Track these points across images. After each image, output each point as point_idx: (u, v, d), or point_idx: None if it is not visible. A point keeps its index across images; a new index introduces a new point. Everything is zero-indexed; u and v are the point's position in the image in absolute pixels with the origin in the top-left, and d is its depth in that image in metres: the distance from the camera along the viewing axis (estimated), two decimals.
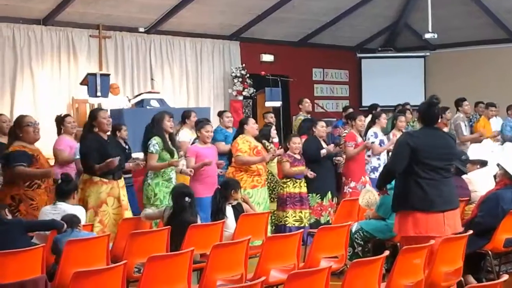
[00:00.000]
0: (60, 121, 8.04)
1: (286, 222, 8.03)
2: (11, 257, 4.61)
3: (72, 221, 5.32)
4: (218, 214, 6.11)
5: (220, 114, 9.64)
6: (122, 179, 6.67)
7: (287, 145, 8.21)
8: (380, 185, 5.61)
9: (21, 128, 6.18)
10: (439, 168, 5.20)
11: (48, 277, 4.62)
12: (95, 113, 6.75)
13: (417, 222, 5.16)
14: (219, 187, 6.34)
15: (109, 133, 6.84)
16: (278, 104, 12.39)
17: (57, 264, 4.99)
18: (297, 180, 8.10)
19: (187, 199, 5.80)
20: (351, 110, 11.26)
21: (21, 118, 6.32)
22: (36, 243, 5.47)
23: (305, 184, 8.15)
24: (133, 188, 8.17)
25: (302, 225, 7.94)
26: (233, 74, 13.51)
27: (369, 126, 9.23)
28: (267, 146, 8.52)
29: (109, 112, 6.95)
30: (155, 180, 7.17)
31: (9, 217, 5.16)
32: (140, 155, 8.18)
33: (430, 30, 12.88)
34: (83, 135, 6.84)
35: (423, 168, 5.16)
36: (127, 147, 8.37)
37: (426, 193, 5.15)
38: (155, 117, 7.43)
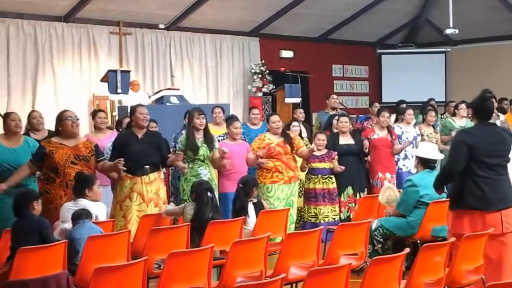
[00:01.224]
0: (92, 116, 8.18)
1: (303, 218, 8.07)
2: (33, 253, 4.65)
3: (80, 214, 5.34)
4: (241, 211, 6.11)
5: (249, 110, 9.67)
6: (152, 175, 6.64)
7: (313, 141, 8.24)
8: (437, 186, 5.39)
9: (60, 122, 6.33)
10: (496, 165, 5.08)
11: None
12: (133, 108, 6.84)
13: (474, 221, 5.06)
14: (241, 185, 6.32)
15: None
16: (297, 100, 12.36)
17: (72, 258, 5.02)
18: (312, 176, 8.11)
19: (209, 194, 5.82)
20: (377, 105, 11.26)
21: (61, 113, 6.45)
22: (58, 239, 5.53)
23: (324, 181, 8.13)
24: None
25: (318, 221, 7.94)
26: (253, 71, 13.52)
27: (396, 122, 9.29)
28: (305, 142, 8.47)
29: (129, 109, 6.97)
30: (184, 176, 7.27)
31: (38, 209, 5.20)
32: None
33: (451, 25, 12.80)
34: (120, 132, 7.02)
35: (480, 166, 5.01)
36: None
37: (484, 192, 5.01)
38: (187, 114, 7.51)
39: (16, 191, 6.22)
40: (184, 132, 7.54)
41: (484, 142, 5.07)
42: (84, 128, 10.41)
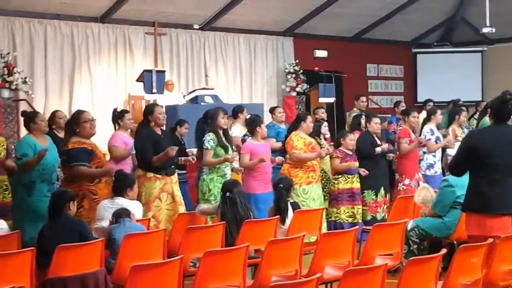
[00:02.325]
0: (119, 116, 8.12)
1: (337, 218, 8.02)
2: (71, 251, 4.72)
3: (120, 213, 5.39)
4: (285, 211, 6.08)
5: (272, 110, 9.66)
6: (176, 175, 6.73)
7: (341, 141, 8.17)
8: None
9: (78, 124, 6.21)
10: (507, 166, 4.90)
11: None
12: (150, 108, 6.85)
13: (482, 223, 4.95)
14: (281, 185, 6.27)
15: (164, 128, 6.94)
16: (331, 100, 12.34)
17: (111, 257, 5.07)
18: (349, 176, 8.07)
19: (227, 194, 5.82)
20: (403, 105, 11.14)
21: (78, 114, 6.34)
22: (95, 237, 5.59)
23: (358, 180, 8.11)
24: (186, 184, 8.26)
25: (356, 221, 7.91)
26: (287, 70, 13.51)
27: (425, 122, 9.11)
28: (320, 142, 8.49)
29: (164, 108, 7.00)
30: (209, 176, 7.24)
31: (73, 210, 5.24)
32: (195, 150, 8.29)
33: (487, 24, 12.63)
34: (138, 130, 6.95)
35: (485, 168, 4.92)
36: (182, 142, 8.46)
37: (486, 194, 4.94)
38: (209, 113, 7.49)
39: (45, 189, 6.35)
40: (211, 132, 7.48)
41: (494, 143, 4.87)
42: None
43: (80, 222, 5.25)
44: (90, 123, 6.24)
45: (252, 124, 7.75)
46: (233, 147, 7.54)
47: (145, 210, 6.45)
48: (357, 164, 8.13)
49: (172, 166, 6.67)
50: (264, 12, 12.81)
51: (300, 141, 7.78)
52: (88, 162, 6.09)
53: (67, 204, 5.14)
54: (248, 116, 8.84)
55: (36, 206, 6.36)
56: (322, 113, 10.22)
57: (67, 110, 10.06)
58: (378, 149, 8.28)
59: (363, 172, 8.09)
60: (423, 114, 9.65)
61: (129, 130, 8.06)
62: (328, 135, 9.21)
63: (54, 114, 7.95)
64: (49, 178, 6.40)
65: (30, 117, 6.82)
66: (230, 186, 5.97)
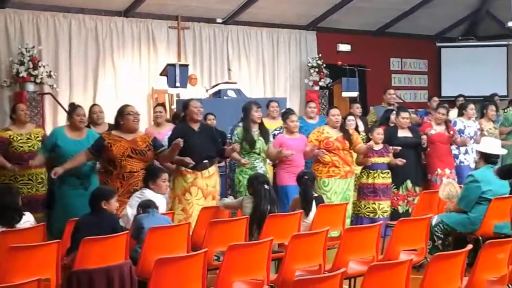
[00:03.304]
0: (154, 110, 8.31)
1: (359, 213, 8.00)
2: (96, 243, 4.75)
3: (149, 204, 5.43)
4: (310, 204, 6.11)
5: (305, 104, 9.67)
6: (211, 168, 6.72)
7: (369, 136, 8.15)
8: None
9: (122, 116, 6.38)
10: None
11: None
12: (187, 102, 6.88)
13: None
14: (306, 177, 6.28)
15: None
16: (355, 94, 12.28)
17: (138, 246, 5.10)
18: (371, 171, 8.02)
19: (266, 187, 5.85)
20: (435, 99, 11.06)
21: (123, 108, 6.50)
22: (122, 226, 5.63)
23: (384, 175, 8.05)
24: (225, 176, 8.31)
25: (376, 216, 7.88)
26: (310, 64, 13.47)
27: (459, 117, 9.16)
28: (362, 137, 8.41)
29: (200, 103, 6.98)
30: (240, 168, 7.31)
31: (108, 208, 5.28)
32: None
33: None
34: (175, 125, 7.05)
35: None
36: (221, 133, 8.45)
37: None
38: (243, 107, 7.54)
39: (76, 182, 6.42)
40: (240, 125, 7.57)
41: None
42: (143, 121, 10.58)
43: (113, 217, 5.29)
44: (134, 116, 6.35)
45: (283, 118, 7.79)
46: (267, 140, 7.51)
47: (176, 202, 6.54)
48: (382, 159, 8.06)
49: (205, 161, 6.65)
50: (287, 6, 12.78)
51: (314, 134, 7.79)
52: (93, 149, 6.32)
53: (100, 203, 5.18)
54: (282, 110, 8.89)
55: (66, 199, 6.44)
56: (357, 108, 10.16)
57: (91, 103, 10.07)
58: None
59: (400, 161, 8.02)
60: (455, 111, 9.60)
61: (163, 123, 8.15)
62: (361, 128, 9.17)
63: (89, 109, 8.06)
64: (79, 171, 6.46)
65: (70, 110, 6.97)
66: (265, 178, 6.03)
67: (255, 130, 7.38)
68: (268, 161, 7.80)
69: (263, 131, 7.46)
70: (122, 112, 6.41)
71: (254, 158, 7.32)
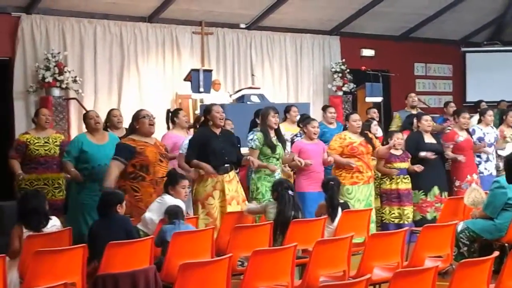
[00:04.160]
0: (174, 114, 8.27)
1: (383, 219, 7.95)
2: (121, 248, 4.78)
3: (177, 212, 5.43)
4: (335, 210, 6.09)
5: (324, 109, 9.63)
6: (231, 173, 6.74)
7: (388, 141, 8.09)
8: None
9: (137, 120, 6.34)
10: None
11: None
12: (209, 107, 6.88)
13: None
14: (332, 183, 6.27)
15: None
16: (379, 99, 12.21)
17: (163, 255, 5.12)
18: (394, 177, 7.97)
19: (290, 192, 5.84)
20: (452, 105, 10.94)
21: (138, 111, 6.49)
22: (141, 229, 5.66)
23: (406, 180, 8.00)
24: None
25: (402, 222, 7.83)
26: (333, 69, 13.44)
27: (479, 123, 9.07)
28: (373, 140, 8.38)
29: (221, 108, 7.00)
30: (257, 174, 7.26)
31: (121, 211, 5.31)
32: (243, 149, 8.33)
33: None
34: (196, 130, 7.05)
35: None
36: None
37: None
38: (260, 113, 7.52)
39: (96, 188, 6.42)
40: (256, 129, 7.54)
41: None
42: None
43: (126, 220, 5.31)
44: (149, 120, 6.34)
45: (302, 123, 7.79)
46: (285, 146, 7.52)
47: (199, 207, 6.54)
48: (404, 165, 8.02)
49: (226, 165, 6.68)
50: (310, 11, 12.77)
51: (337, 141, 7.74)
52: (125, 158, 6.16)
53: (115, 207, 5.22)
54: (297, 117, 8.87)
55: (86, 204, 6.47)
56: (374, 113, 10.12)
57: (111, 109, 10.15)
58: (422, 154, 8.16)
59: (418, 168, 7.96)
60: (477, 115, 9.49)
61: (185, 129, 8.17)
62: (378, 134, 9.12)
63: (109, 113, 8.11)
64: (100, 177, 6.48)
65: (83, 116, 7.01)
66: (289, 184, 6.03)
67: (272, 136, 7.37)
68: (285, 167, 7.76)
69: (280, 137, 7.45)
70: (137, 116, 6.38)
71: (273, 163, 7.30)
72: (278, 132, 7.43)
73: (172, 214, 5.40)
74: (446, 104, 11.46)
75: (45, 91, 10.12)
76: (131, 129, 6.42)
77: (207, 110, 6.83)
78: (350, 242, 4.99)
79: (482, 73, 15.33)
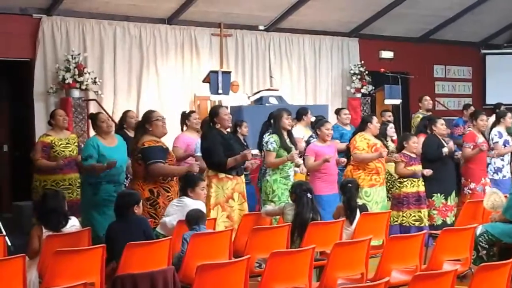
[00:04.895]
0: (185, 117, 8.29)
1: (403, 222, 7.90)
2: (140, 249, 4.81)
3: (197, 218, 5.44)
4: (355, 211, 6.09)
5: (338, 111, 9.66)
6: (244, 175, 6.81)
7: (404, 144, 8.04)
8: None
9: (150, 122, 6.29)
10: None
11: None
12: (216, 109, 6.89)
13: None
14: (349, 184, 6.26)
15: (229, 129, 6.99)
16: (397, 102, 12.18)
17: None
18: (415, 180, 7.94)
19: (308, 195, 5.84)
20: (472, 108, 10.86)
21: (150, 113, 6.43)
22: (160, 233, 5.69)
23: (422, 183, 7.98)
24: (253, 185, 8.29)
25: (422, 224, 7.80)
26: (352, 71, 13.40)
27: (494, 125, 8.92)
28: (386, 144, 8.40)
29: (229, 109, 7.07)
30: (273, 177, 7.25)
31: (139, 212, 5.34)
32: (255, 151, 8.36)
33: None
34: (205, 132, 7.01)
35: None
36: (245, 143, 8.51)
37: None
38: (273, 115, 7.51)
39: (112, 189, 6.46)
40: (272, 133, 7.51)
41: None
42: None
43: (144, 221, 5.35)
44: (162, 122, 6.34)
45: (316, 125, 7.79)
46: (297, 148, 7.53)
47: (219, 210, 6.54)
48: (420, 167, 7.99)
49: (242, 166, 6.72)
50: (329, 13, 12.75)
51: (363, 142, 7.73)
52: (164, 159, 6.17)
53: (132, 208, 5.25)
54: (312, 119, 8.86)
55: (101, 206, 6.50)
56: (389, 116, 10.10)
57: (135, 110, 10.21)
58: (445, 150, 8.12)
59: (427, 172, 7.93)
60: (493, 118, 9.40)
61: (197, 131, 8.18)
62: (394, 137, 9.10)
63: (125, 114, 8.15)
64: (115, 179, 6.52)
65: (92, 119, 7.00)
66: (308, 186, 6.03)
67: (285, 138, 7.36)
68: (299, 170, 7.74)
69: (292, 139, 7.44)
70: (150, 118, 6.32)
71: (288, 166, 7.28)
72: (290, 134, 7.43)
73: (193, 220, 5.39)
74: (466, 107, 11.39)
75: (65, 92, 10.19)
76: (143, 131, 6.33)
77: (214, 112, 6.83)
78: (368, 245, 4.99)
79: (502, 75, 15.20)
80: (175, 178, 6.26)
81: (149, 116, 6.36)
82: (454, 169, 8.45)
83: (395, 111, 12.05)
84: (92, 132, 10.08)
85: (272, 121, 7.64)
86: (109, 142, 6.72)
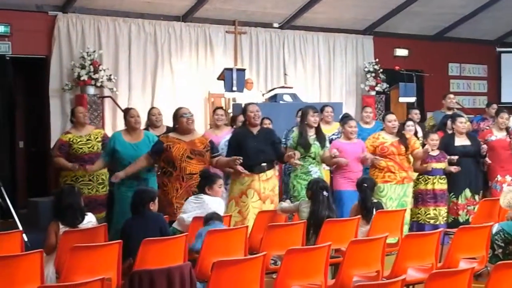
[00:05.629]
0: (213, 113, 8.43)
1: (419, 219, 7.90)
2: (156, 245, 4.83)
3: (213, 218, 5.45)
4: (371, 211, 6.08)
5: (362, 109, 9.64)
6: (269, 172, 6.79)
7: (424, 142, 8.05)
8: None
9: (176, 119, 6.57)
10: None
11: None
12: (245, 107, 7.01)
13: None
14: (365, 184, 6.26)
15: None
16: (412, 100, 12.14)
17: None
18: (430, 177, 7.92)
19: (324, 193, 5.84)
20: (494, 106, 10.80)
21: (177, 110, 6.69)
22: (176, 229, 5.71)
23: (442, 181, 7.94)
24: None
25: (438, 222, 7.77)
26: (366, 69, 13.36)
27: None
28: (420, 143, 8.32)
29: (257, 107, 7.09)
30: (294, 173, 7.31)
31: (154, 209, 5.36)
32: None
33: None
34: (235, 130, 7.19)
35: None
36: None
37: None
38: (301, 111, 7.57)
39: (134, 183, 6.52)
40: (295, 129, 7.59)
41: None
42: (200, 124, 10.69)
43: (160, 217, 5.38)
44: (187, 118, 6.45)
45: (341, 122, 7.81)
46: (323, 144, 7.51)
47: (233, 204, 6.59)
48: (440, 165, 7.96)
49: (263, 164, 6.72)
50: (344, 11, 12.72)
51: (369, 140, 7.77)
52: (153, 152, 6.49)
53: (148, 205, 5.28)
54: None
55: (122, 200, 6.55)
56: (415, 114, 10.06)
57: (149, 107, 10.22)
58: (452, 158, 8.09)
59: (455, 169, 7.89)
60: None
61: (222, 127, 8.23)
62: (419, 134, 9.06)
63: (148, 111, 8.22)
64: (137, 174, 6.58)
65: (123, 113, 7.10)
66: (325, 184, 6.01)
67: (311, 135, 7.37)
68: (324, 166, 7.79)
69: (320, 136, 7.45)
70: (176, 115, 6.58)
71: (309, 162, 7.30)
72: (318, 130, 7.42)
73: (208, 220, 5.43)
74: (488, 105, 11.32)
75: (80, 89, 10.24)
76: (173, 127, 6.65)
77: (243, 110, 6.95)
78: (384, 243, 4.97)
79: None
80: (174, 174, 6.33)
81: (176, 113, 6.63)
82: (471, 167, 8.34)
83: (410, 109, 11.99)
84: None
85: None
86: (132, 138, 6.83)
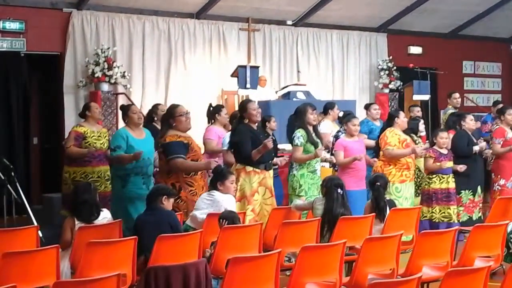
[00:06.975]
0: (216, 111, 8.32)
1: (433, 218, 7.85)
2: (171, 241, 4.84)
3: (233, 218, 5.43)
4: (384, 210, 6.06)
5: (367, 106, 9.61)
6: (272, 170, 6.82)
7: (433, 140, 7.99)
8: None
9: (174, 117, 6.35)
10: None
11: None
12: (244, 104, 6.94)
13: None
14: (378, 183, 6.23)
15: (257, 124, 7.02)
16: (426, 97, 12.08)
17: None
18: (444, 176, 7.87)
19: (339, 190, 5.83)
20: (501, 104, 10.72)
21: (173, 108, 6.48)
22: (190, 226, 5.72)
23: (452, 180, 7.91)
24: (280, 178, 8.29)
25: (452, 221, 7.74)
26: (380, 67, 13.32)
27: None
28: (415, 140, 8.35)
29: (256, 104, 7.08)
30: (300, 172, 7.22)
31: (166, 205, 5.36)
32: (286, 146, 8.35)
33: None
34: (235, 126, 7.04)
35: None
36: (273, 138, 8.51)
37: None
38: (298, 109, 7.51)
39: (140, 181, 6.51)
40: (300, 129, 7.50)
41: None
42: None
43: (171, 213, 5.37)
44: (186, 117, 6.36)
45: (343, 120, 7.78)
46: (322, 143, 7.51)
47: (245, 204, 6.56)
48: (450, 163, 7.93)
49: (270, 161, 6.74)
50: (357, 8, 12.68)
51: (394, 137, 7.71)
52: (184, 154, 6.21)
53: (160, 198, 5.28)
54: (340, 113, 8.82)
55: (130, 197, 6.54)
56: (418, 112, 10.02)
57: (163, 104, 10.24)
58: (476, 148, 8.07)
59: (461, 168, 7.86)
60: None
61: (224, 125, 8.23)
62: (423, 133, 9.03)
63: (156, 107, 8.24)
64: (144, 171, 6.56)
65: (124, 110, 7.04)
66: (339, 181, 5.99)
67: (311, 133, 7.34)
68: (323, 163, 7.73)
69: (318, 134, 7.43)
70: (173, 114, 6.37)
71: (315, 161, 7.26)
72: (315, 129, 7.41)
73: (228, 220, 5.39)
74: (496, 103, 11.24)
75: (94, 85, 10.27)
76: (167, 125, 6.39)
77: (242, 107, 6.88)
78: (399, 240, 4.96)
79: None
80: (199, 172, 6.29)
81: (172, 112, 6.42)
82: (482, 166, 8.39)
83: (424, 107, 11.94)
84: (121, 126, 10.27)
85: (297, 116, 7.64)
86: (137, 134, 6.76)
